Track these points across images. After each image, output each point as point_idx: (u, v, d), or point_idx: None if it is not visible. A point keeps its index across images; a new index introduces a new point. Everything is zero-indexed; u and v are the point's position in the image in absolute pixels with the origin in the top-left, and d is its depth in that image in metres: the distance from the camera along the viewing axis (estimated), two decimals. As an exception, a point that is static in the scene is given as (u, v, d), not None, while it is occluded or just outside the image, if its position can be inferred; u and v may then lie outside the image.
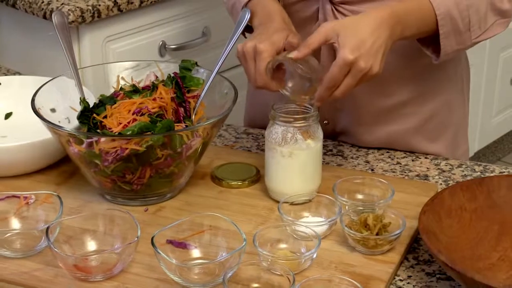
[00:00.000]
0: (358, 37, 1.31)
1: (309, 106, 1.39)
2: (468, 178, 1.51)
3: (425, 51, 1.47)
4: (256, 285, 1.20)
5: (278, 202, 1.36)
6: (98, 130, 1.39)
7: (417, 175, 1.53)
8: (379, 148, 1.61)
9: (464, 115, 1.69)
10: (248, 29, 1.53)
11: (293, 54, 1.34)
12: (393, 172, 1.54)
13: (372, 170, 1.54)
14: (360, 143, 1.62)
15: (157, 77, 1.50)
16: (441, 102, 1.62)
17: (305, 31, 1.54)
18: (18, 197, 1.36)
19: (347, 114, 1.61)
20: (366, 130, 1.60)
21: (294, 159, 1.37)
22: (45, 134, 1.41)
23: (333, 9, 1.52)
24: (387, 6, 1.36)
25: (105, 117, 1.40)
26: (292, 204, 1.35)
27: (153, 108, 1.40)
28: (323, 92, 1.32)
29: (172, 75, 1.47)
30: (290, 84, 1.38)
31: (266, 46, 1.37)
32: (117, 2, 2.02)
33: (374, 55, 1.31)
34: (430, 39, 1.45)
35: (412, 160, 1.57)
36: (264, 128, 1.41)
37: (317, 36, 1.33)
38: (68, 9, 1.94)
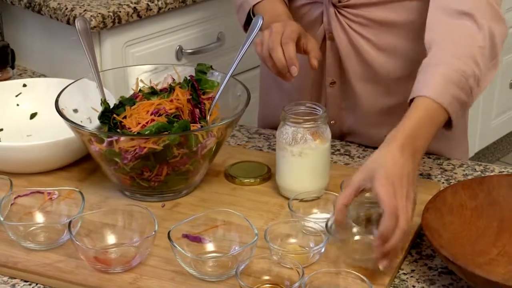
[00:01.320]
0: (384, 176, 1.20)
1: (318, 108, 1.38)
2: (469, 177, 1.50)
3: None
4: (267, 277, 1.19)
5: (288, 199, 1.36)
6: (118, 130, 1.39)
7: (421, 174, 1.52)
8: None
9: (464, 117, 1.68)
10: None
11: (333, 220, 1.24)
12: (398, 171, 1.53)
13: (378, 169, 1.53)
14: (366, 142, 1.61)
15: (174, 79, 1.50)
16: None
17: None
18: (42, 192, 1.36)
19: (352, 114, 1.60)
20: (371, 129, 1.60)
21: (304, 158, 1.37)
22: (68, 133, 1.41)
23: (336, 12, 1.52)
24: (399, 131, 1.25)
25: (125, 117, 1.40)
26: (301, 201, 1.34)
27: (170, 109, 1.40)
28: (383, 236, 1.17)
29: (188, 78, 1.47)
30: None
31: (293, 27, 1.37)
32: (137, 9, 2.02)
33: (406, 181, 1.21)
34: None
35: (416, 160, 1.56)
36: (276, 128, 1.40)
37: (349, 190, 1.23)
38: (90, 15, 1.94)
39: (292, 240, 1.28)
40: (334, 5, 1.52)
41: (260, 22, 1.43)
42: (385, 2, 1.49)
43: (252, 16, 1.56)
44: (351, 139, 1.63)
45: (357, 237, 1.28)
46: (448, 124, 1.32)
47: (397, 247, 1.18)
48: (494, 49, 1.36)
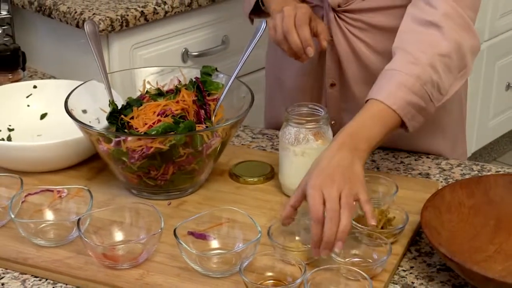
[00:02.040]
0: (317, 172, 1.22)
1: (320, 109, 1.38)
2: (467, 176, 1.50)
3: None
4: (270, 273, 1.19)
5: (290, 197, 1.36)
6: (126, 130, 1.39)
7: (420, 174, 1.52)
8: (384, 148, 1.60)
9: (462, 118, 1.68)
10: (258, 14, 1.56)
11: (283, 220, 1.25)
12: (397, 170, 1.53)
13: (378, 168, 1.53)
14: None
15: (180, 81, 1.49)
16: (440, 109, 1.61)
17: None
18: (52, 191, 1.36)
19: (352, 115, 1.60)
20: None
21: (306, 158, 1.37)
22: (77, 133, 1.41)
23: (336, 17, 1.52)
24: (341, 131, 1.27)
25: (132, 118, 1.40)
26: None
27: (176, 110, 1.40)
28: (315, 236, 1.18)
29: (194, 79, 1.47)
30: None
31: (304, 9, 1.39)
32: (144, 12, 2.02)
33: (340, 178, 1.20)
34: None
35: (415, 160, 1.56)
36: (280, 128, 1.40)
37: (296, 195, 1.24)
38: (99, 19, 1.94)
39: (295, 238, 1.28)
40: (334, 10, 1.51)
41: (263, 26, 1.43)
42: (383, 8, 1.49)
43: (261, 5, 1.56)
44: None
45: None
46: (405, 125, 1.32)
47: (330, 241, 1.17)
48: (462, 59, 1.35)
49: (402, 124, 1.32)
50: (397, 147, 1.60)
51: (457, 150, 1.66)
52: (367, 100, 1.31)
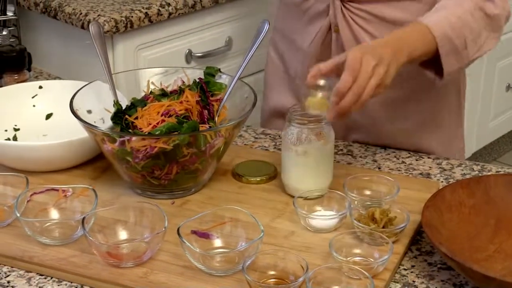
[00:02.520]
0: (360, 48, 1.30)
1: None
2: (467, 176, 1.50)
3: (428, 74, 1.44)
4: (272, 272, 1.19)
5: (293, 197, 1.36)
6: (130, 130, 1.39)
7: (420, 174, 1.51)
8: (385, 148, 1.60)
9: (460, 116, 1.68)
10: None
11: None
12: (399, 170, 1.52)
13: (379, 168, 1.53)
14: (370, 138, 1.61)
15: (183, 82, 1.49)
16: (439, 103, 1.61)
17: (315, 26, 1.54)
18: (57, 190, 1.36)
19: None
20: (375, 123, 1.60)
21: (308, 157, 1.36)
22: (82, 133, 1.41)
23: (342, 6, 1.52)
24: (390, 34, 1.35)
25: (136, 118, 1.40)
26: (306, 199, 1.34)
27: (180, 110, 1.40)
28: (339, 93, 1.24)
29: (198, 80, 1.47)
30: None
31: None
32: (148, 14, 2.02)
33: (380, 58, 1.27)
34: (431, 63, 1.42)
35: (416, 160, 1.56)
36: (275, 127, 1.40)
37: (329, 62, 1.30)
38: (104, 20, 1.94)
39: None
40: (341, 0, 1.52)
41: (266, 27, 1.42)
42: (389, 0, 1.50)
43: None
44: (356, 135, 1.62)
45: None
46: (438, 69, 1.40)
47: (347, 107, 1.24)
48: (498, 22, 1.45)
49: (436, 69, 1.40)
50: (396, 145, 1.60)
51: (453, 148, 1.66)
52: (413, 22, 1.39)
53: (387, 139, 1.60)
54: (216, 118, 1.43)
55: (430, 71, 1.44)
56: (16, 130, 1.59)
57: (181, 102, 1.41)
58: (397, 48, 1.32)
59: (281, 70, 1.69)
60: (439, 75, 1.42)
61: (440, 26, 1.37)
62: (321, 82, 1.29)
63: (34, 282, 1.23)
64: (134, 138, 1.32)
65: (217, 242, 1.26)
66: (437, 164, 1.55)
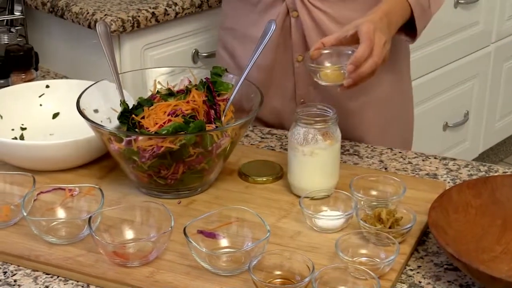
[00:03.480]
0: (369, 20, 1.37)
1: (329, 110, 1.38)
2: (474, 177, 1.49)
3: (402, 37, 1.54)
4: (278, 272, 1.19)
5: (299, 197, 1.36)
6: (137, 130, 1.39)
7: (427, 174, 1.51)
8: (392, 149, 1.60)
9: (405, 109, 1.73)
10: None
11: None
12: (405, 171, 1.52)
13: (386, 169, 1.53)
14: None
15: (190, 81, 1.49)
16: (380, 94, 1.63)
17: (271, 14, 1.54)
18: (64, 189, 1.36)
19: (319, 89, 1.60)
20: (339, 105, 1.59)
21: (315, 158, 1.36)
22: (89, 132, 1.41)
23: None
24: (377, 9, 1.42)
25: (143, 117, 1.40)
26: (312, 199, 1.34)
27: (187, 110, 1.40)
28: (357, 61, 1.32)
29: (204, 80, 1.47)
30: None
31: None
32: (155, 14, 2.02)
33: (386, 35, 1.37)
34: (401, 27, 1.50)
35: (423, 160, 1.56)
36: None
37: (336, 35, 1.38)
38: (111, 20, 1.94)
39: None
40: None
41: (273, 27, 1.42)
42: None
43: None
44: None
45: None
46: (410, 29, 1.50)
47: (365, 75, 1.33)
48: None
49: (408, 30, 1.50)
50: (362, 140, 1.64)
51: (407, 143, 1.74)
52: None
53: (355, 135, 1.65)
54: (223, 118, 1.43)
55: (401, 35, 1.53)
56: (23, 129, 1.60)
57: (187, 102, 1.41)
58: (389, 23, 1.41)
59: (231, 67, 1.68)
60: (409, 37, 1.53)
61: None
62: (325, 51, 1.39)
63: (41, 281, 1.23)
64: (140, 138, 1.33)
65: (223, 242, 1.26)
66: (444, 164, 1.55)
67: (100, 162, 1.51)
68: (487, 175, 1.50)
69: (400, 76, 1.70)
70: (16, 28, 2.01)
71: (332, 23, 1.54)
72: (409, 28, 1.51)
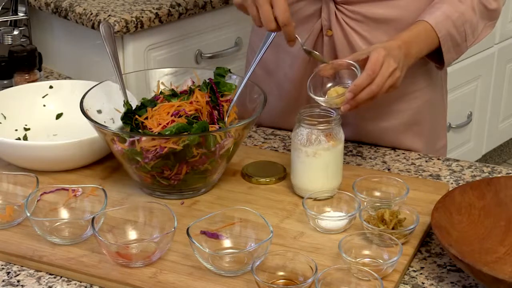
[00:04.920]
0: (383, 47, 1.37)
1: (332, 110, 1.38)
2: (477, 178, 1.49)
3: (431, 63, 1.55)
4: (281, 273, 1.19)
5: (302, 197, 1.36)
6: (140, 130, 1.39)
7: (430, 175, 1.51)
8: (395, 149, 1.60)
9: (442, 113, 1.69)
10: None
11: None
12: (408, 172, 1.52)
13: (389, 169, 1.53)
14: (360, 136, 1.61)
15: (193, 82, 1.49)
16: (423, 101, 1.61)
17: (306, 28, 1.53)
18: (67, 189, 1.36)
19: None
20: (367, 123, 1.60)
21: (318, 158, 1.36)
22: (92, 133, 1.41)
23: (335, 8, 1.52)
24: (397, 36, 1.43)
25: (146, 118, 1.40)
26: (315, 199, 1.34)
27: (190, 111, 1.40)
28: (355, 90, 1.32)
29: (208, 80, 1.47)
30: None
31: None
32: (158, 14, 2.02)
33: (399, 61, 1.37)
34: (433, 53, 1.50)
35: (426, 161, 1.56)
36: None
37: (351, 57, 1.38)
38: (114, 20, 1.95)
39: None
40: (335, 1, 1.52)
41: (273, 34, 1.41)
42: None
43: None
44: (346, 132, 1.63)
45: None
46: (438, 60, 1.51)
47: (362, 102, 1.33)
48: (495, 14, 1.53)
49: (437, 59, 1.50)
50: (379, 142, 1.61)
51: (436, 145, 1.68)
52: (418, 21, 1.47)
53: (370, 137, 1.61)
54: (226, 119, 1.43)
55: (431, 61, 1.53)
56: (26, 129, 1.60)
57: (191, 103, 1.41)
58: (407, 52, 1.41)
59: (259, 73, 1.67)
60: (439, 64, 1.53)
61: (443, 24, 1.46)
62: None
63: (44, 281, 1.23)
64: (144, 138, 1.33)
65: (226, 243, 1.26)
66: (447, 165, 1.54)
67: (104, 163, 1.51)
68: (490, 176, 1.50)
69: (434, 87, 1.67)
70: (20, 28, 2.02)
71: (366, 44, 1.52)
72: (438, 56, 1.51)
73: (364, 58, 1.36)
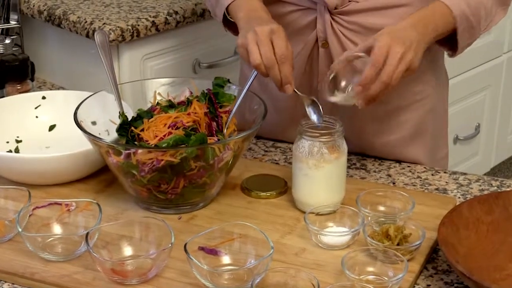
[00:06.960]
0: (388, 33, 1.37)
1: (335, 122, 1.38)
2: (485, 192, 1.49)
3: (443, 49, 1.56)
4: (282, 291, 1.19)
5: (304, 212, 1.36)
6: (136, 142, 1.40)
7: (436, 189, 1.51)
8: (400, 162, 1.60)
9: (445, 120, 1.69)
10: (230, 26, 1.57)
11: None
12: (414, 185, 1.52)
13: (394, 183, 1.53)
14: (359, 150, 1.61)
15: (191, 93, 1.50)
16: (427, 109, 1.62)
17: (301, 39, 1.54)
18: (60, 204, 1.37)
19: (345, 121, 1.60)
20: (366, 137, 1.60)
21: (320, 172, 1.37)
22: (86, 145, 1.42)
23: (331, 19, 1.52)
24: (413, 14, 1.43)
25: (142, 130, 1.40)
26: (317, 214, 1.34)
27: (188, 122, 1.40)
28: (367, 75, 1.32)
29: (206, 91, 1.47)
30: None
31: (281, 33, 1.39)
32: (155, 23, 2.02)
33: (409, 42, 1.35)
34: (445, 39, 1.50)
35: (432, 174, 1.56)
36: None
37: (352, 51, 1.39)
38: (109, 29, 1.95)
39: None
40: (330, 12, 1.52)
41: (254, 73, 1.42)
42: (378, 8, 1.52)
43: (227, 15, 1.55)
44: (348, 145, 1.63)
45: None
46: (452, 44, 1.50)
47: (376, 96, 1.33)
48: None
49: (451, 43, 1.49)
50: (382, 156, 1.62)
51: (438, 154, 1.68)
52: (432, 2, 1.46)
53: (372, 150, 1.61)
54: (225, 131, 1.43)
55: (444, 47, 1.54)
56: (18, 141, 1.60)
57: (188, 114, 1.41)
58: (423, 30, 1.40)
59: (262, 89, 1.66)
60: (451, 50, 1.52)
61: (459, 5, 1.46)
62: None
63: (36, 299, 1.24)
64: (140, 151, 1.33)
65: (226, 259, 1.26)
66: (454, 179, 1.55)
67: (98, 176, 1.51)
68: (499, 190, 1.50)
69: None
70: (12, 37, 2.02)
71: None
72: (451, 42, 1.51)
73: (371, 46, 1.37)
